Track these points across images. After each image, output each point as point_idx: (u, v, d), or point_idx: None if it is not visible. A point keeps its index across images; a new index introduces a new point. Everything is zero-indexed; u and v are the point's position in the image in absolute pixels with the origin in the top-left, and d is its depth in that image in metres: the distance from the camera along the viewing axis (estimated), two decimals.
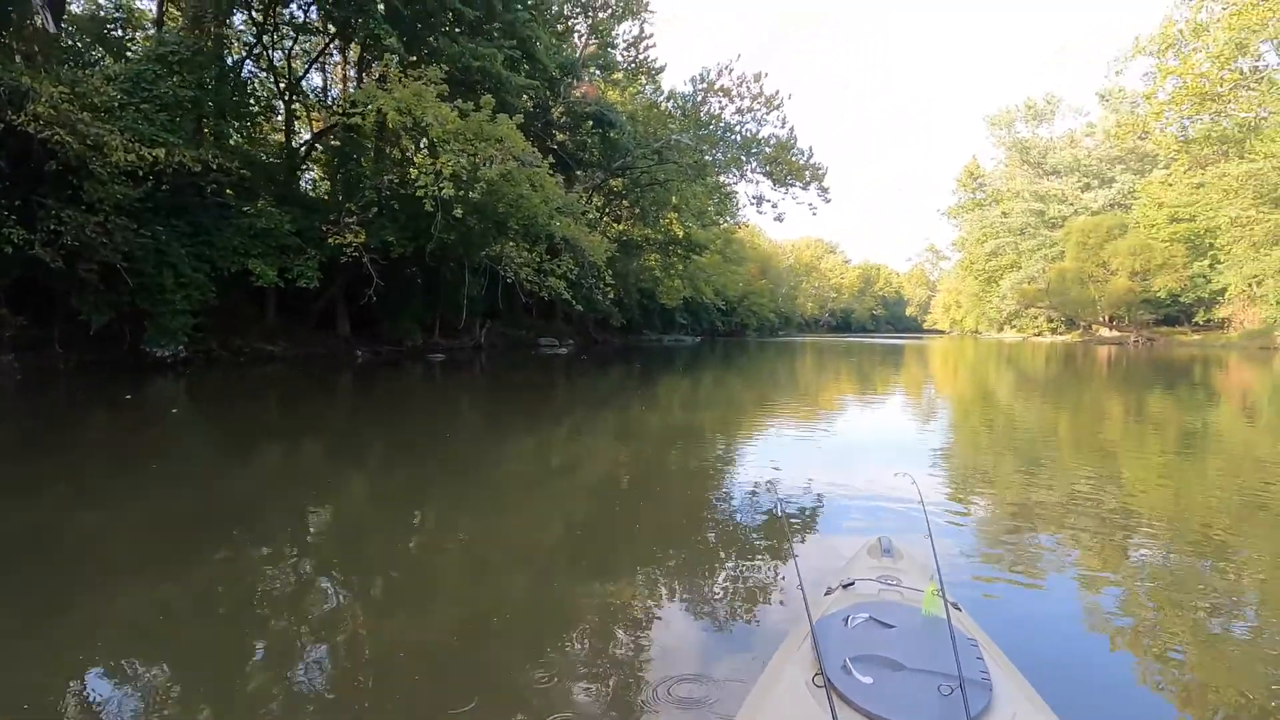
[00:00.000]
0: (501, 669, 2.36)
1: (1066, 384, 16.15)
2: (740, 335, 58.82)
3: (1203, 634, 2.67)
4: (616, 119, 25.97)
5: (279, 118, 20.08)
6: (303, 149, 20.18)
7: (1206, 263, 36.26)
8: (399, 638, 2.59)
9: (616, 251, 29.68)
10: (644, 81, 30.97)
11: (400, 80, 14.81)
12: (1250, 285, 31.32)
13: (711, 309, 51.53)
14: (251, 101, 18.73)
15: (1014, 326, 60.07)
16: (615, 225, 33.31)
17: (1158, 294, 40.77)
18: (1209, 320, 40.43)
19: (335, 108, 19.49)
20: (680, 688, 2.15)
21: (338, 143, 19.22)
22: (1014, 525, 4.13)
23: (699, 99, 27.58)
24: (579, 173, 27.41)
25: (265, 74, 19.45)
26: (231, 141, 18.14)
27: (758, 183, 28.83)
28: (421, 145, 18.85)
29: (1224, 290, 34.10)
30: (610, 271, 21.35)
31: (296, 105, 20.90)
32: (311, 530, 4.19)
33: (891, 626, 1.61)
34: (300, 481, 5.40)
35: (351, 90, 18.43)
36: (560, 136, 26.48)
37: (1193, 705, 2.19)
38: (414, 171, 15.42)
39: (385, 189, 16.58)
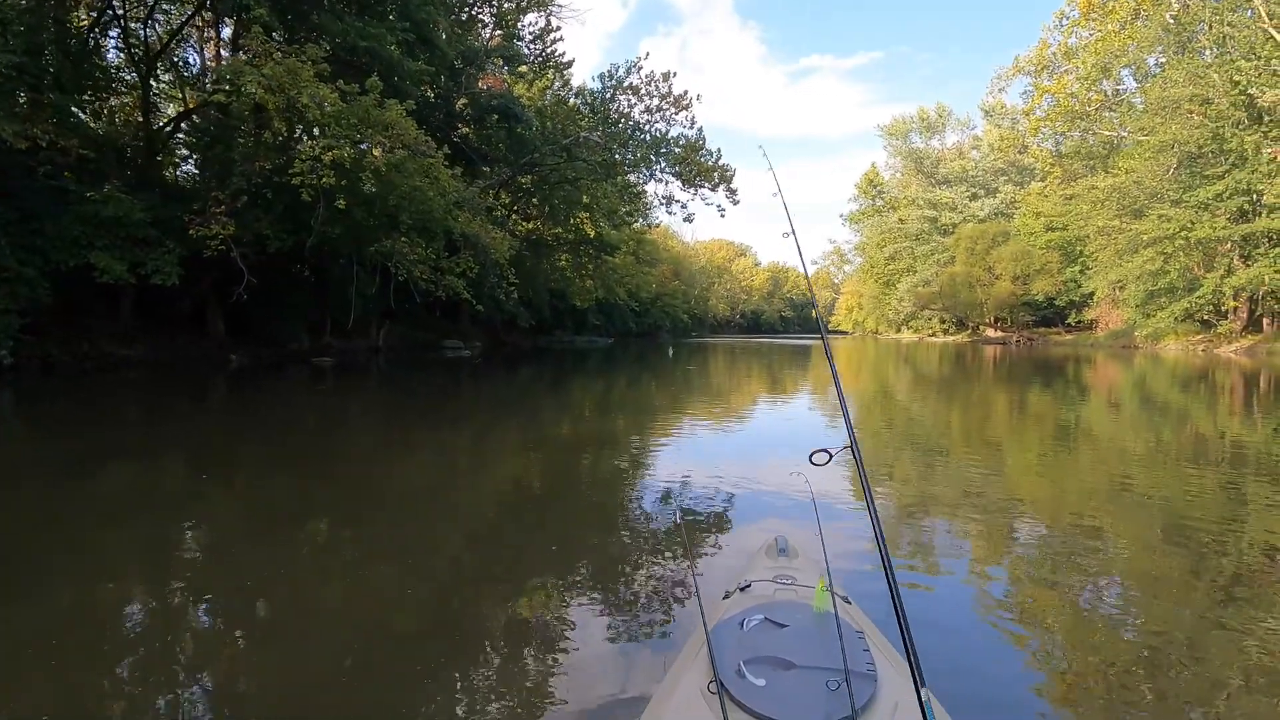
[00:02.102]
0: (388, 699, 2.15)
1: (957, 382, 16.83)
2: (654, 337, 58.94)
3: (1077, 612, 2.82)
4: (523, 114, 25.11)
5: (140, 94, 17.97)
6: (166, 130, 18.12)
7: (1078, 268, 39.37)
8: (273, 676, 2.31)
9: (526, 251, 28.83)
10: (552, 76, 30.22)
11: (273, 57, 13.45)
12: (1114, 289, 34.16)
13: (625, 310, 51.31)
14: (102, 75, 16.60)
15: (910, 328, 63.26)
16: (524, 224, 32.36)
17: (1036, 297, 43.99)
18: (1080, 321, 43.92)
19: (207, 86, 17.64)
20: (582, 702, 2.10)
21: (208, 125, 17.41)
22: (905, 515, 4.24)
23: (608, 96, 27.18)
24: (485, 168, 26.35)
25: (120, 45, 17.35)
26: (79, 118, 15.99)
27: (667, 183, 28.80)
28: (312, 131, 17.37)
29: (1092, 294, 37.06)
30: (514, 270, 20.51)
31: (161, 82, 18.83)
32: (160, 562, 3.42)
33: (785, 626, 1.62)
34: (147, 507, 4.47)
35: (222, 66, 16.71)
36: (464, 130, 25.35)
37: (1064, 679, 2.27)
38: (296, 161, 14.09)
39: (258, 176, 15.05)
